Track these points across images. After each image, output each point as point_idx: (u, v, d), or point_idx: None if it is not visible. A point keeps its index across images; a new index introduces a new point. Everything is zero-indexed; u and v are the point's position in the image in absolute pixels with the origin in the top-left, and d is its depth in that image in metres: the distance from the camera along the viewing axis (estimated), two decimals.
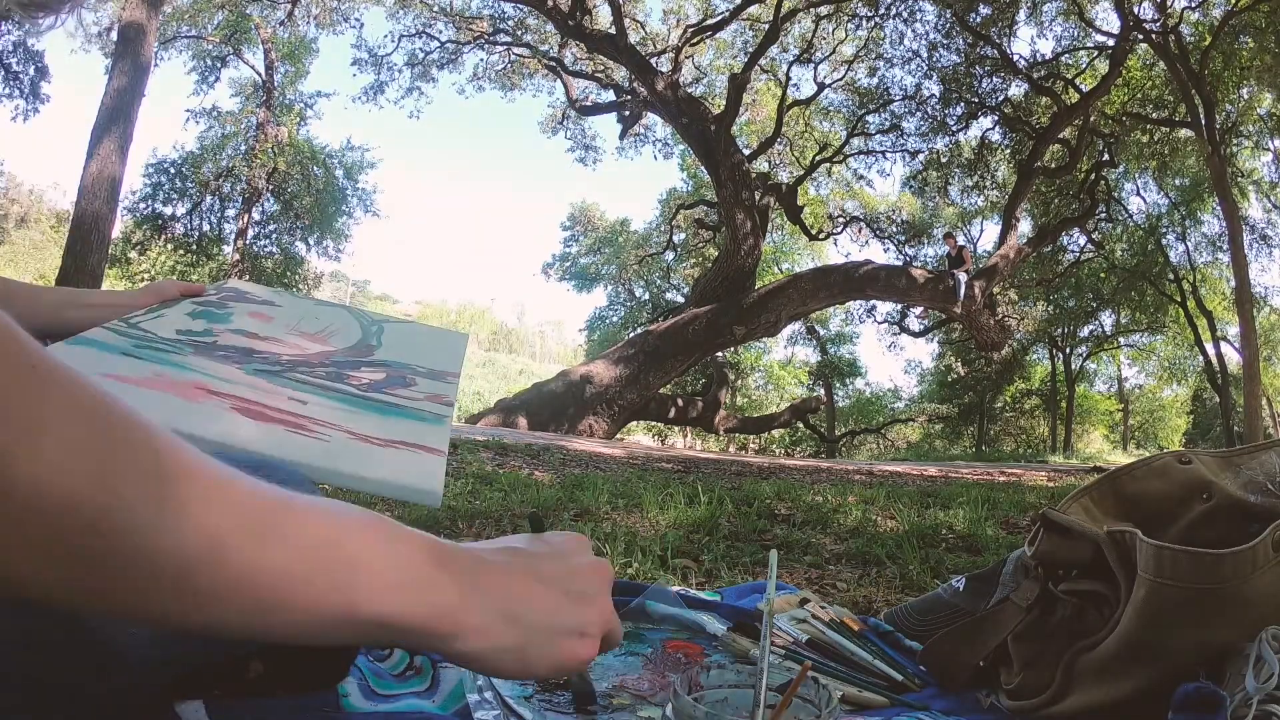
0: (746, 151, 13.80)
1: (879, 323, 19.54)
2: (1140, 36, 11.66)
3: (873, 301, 17.11)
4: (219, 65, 15.83)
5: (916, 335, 18.75)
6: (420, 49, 14.61)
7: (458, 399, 0.90)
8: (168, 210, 16.56)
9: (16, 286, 0.81)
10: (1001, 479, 5.84)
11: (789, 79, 14.51)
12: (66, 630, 0.51)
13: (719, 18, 13.99)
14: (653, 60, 13.05)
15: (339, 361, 0.91)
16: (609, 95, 15.03)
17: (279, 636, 0.36)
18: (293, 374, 0.85)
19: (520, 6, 13.30)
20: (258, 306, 0.97)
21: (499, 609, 0.42)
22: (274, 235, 17.72)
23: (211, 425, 0.71)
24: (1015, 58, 12.99)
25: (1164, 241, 16.91)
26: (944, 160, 14.81)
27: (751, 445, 20.02)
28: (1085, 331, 20.03)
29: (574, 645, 0.45)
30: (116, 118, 8.87)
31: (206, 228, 16.94)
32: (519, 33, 14.59)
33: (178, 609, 0.33)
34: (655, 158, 31.46)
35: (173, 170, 16.46)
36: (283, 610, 0.35)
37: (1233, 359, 16.99)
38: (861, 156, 15.54)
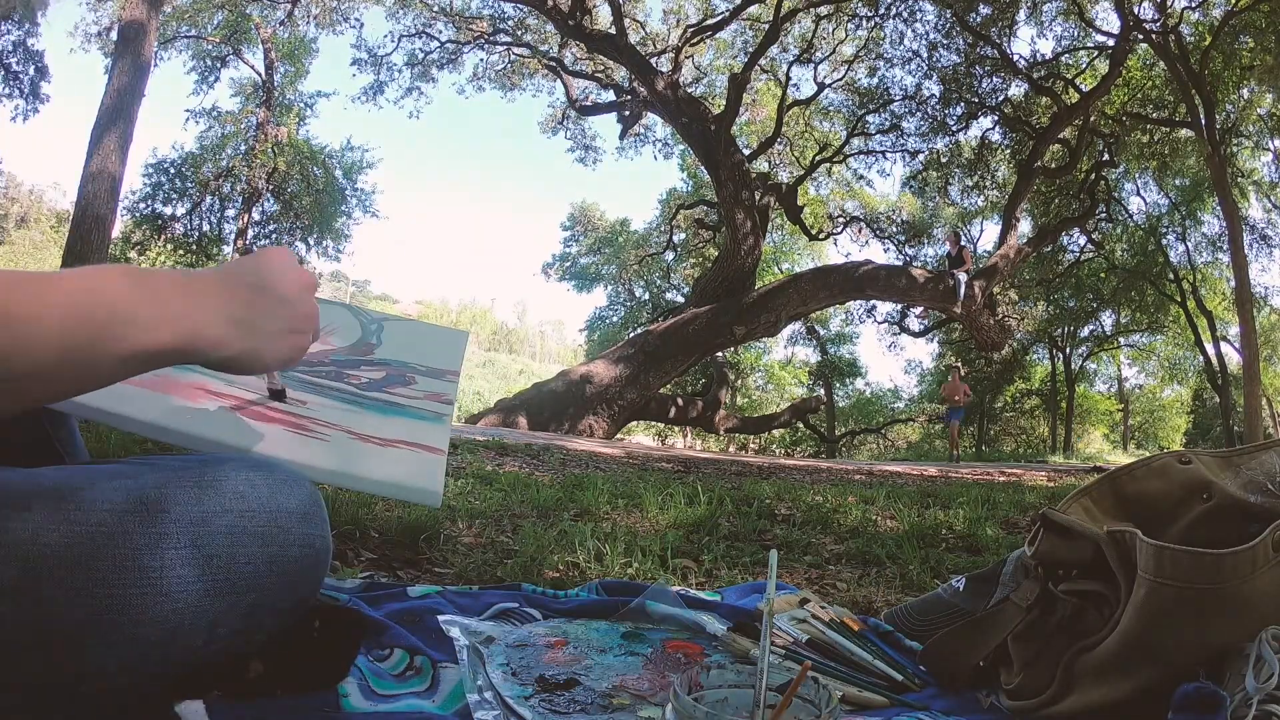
0: (746, 151, 13.80)
1: (879, 323, 19.56)
2: (1140, 36, 11.66)
3: (873, 301, 17.12)
4: (219, 65, 15.82)
5: (916, 335, 18.76)
6: (420, 49, 14.61)
7: (458, 399, 0.90)
8: (168, 210, 16.57)
9: None
10: (1001, 479, 5.83)
11: (789, 79, 14.52)
12: (68, 632, 0.51)
13: (719, 18, 13.98)
14: (653, 60, 13.04)
15: (339, 360, 0.91)
16: (609, 95, 15.03)
17: (84, 389, 0.45)
18: (293, 373, 0.85)
19: (520, 6, 13.30)
20: None
21: (235, 322, 0.52)
22: (274, 235, 17.70)
23: (212, 426, 0.71)
24: (1015, 58, 12.99)
25: (1164, 241, 16.91)
26: (944, 160, 14.81)
27: (751, 445, 20.02)
28: (1085, 331, 20.04)
29: (294, 340, 0.57)
30: (116, 117, 8.87)
31: (206, 228, 16.94)
32: (519, 33, 14.59)
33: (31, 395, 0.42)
34: (655, 158, 31.52)
35: (173, 170, 16.46)
36: (77, 370, 0.43)
37: (1233, 359, 17.01)
38: (861, 156, 15.54)
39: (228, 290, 0.52)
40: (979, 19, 12.41)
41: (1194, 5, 11.51)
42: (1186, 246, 16.84)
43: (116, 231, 12.45)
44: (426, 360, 0.97)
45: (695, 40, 14.14)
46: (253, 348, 0.53)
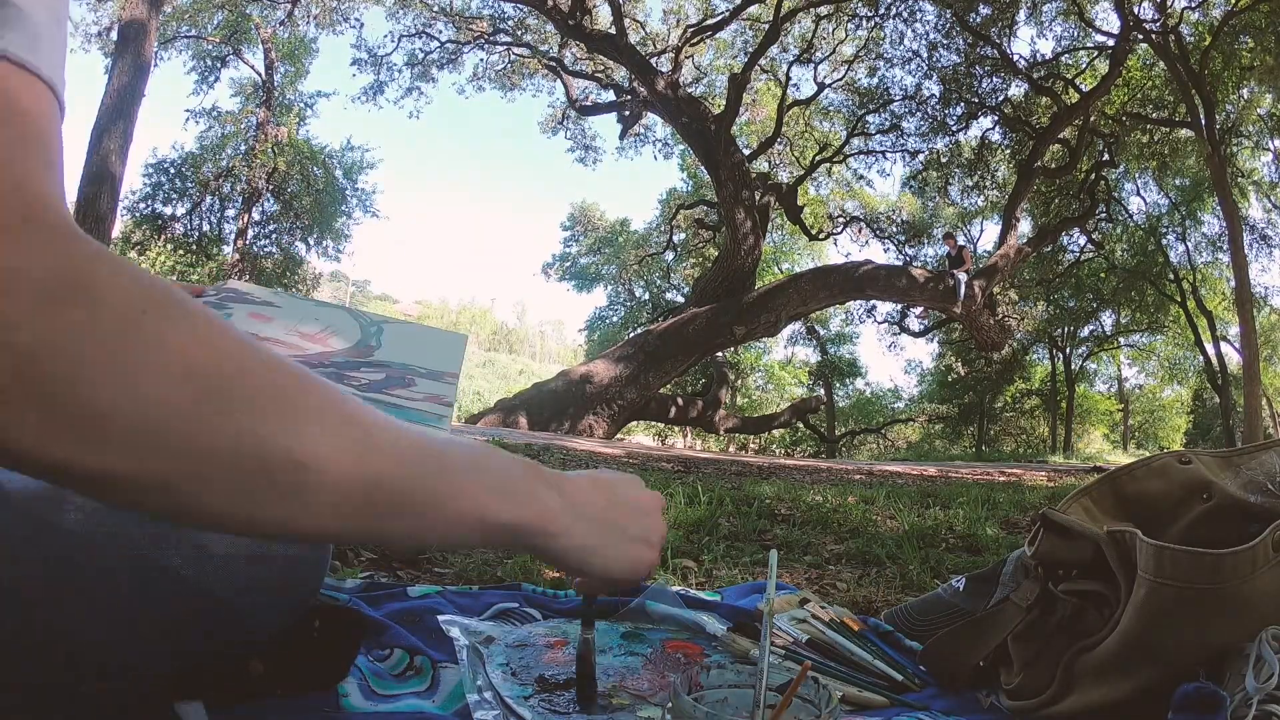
0: (746, 151, 13.80)
1: (879, 323, 19.57)
2: (1140, 36, 11.66)
3: (873, 301, 17.13)
4: (219, 65, 15.83)
5: (916, 335, 18.76)
6: (420, 49, 14.62)
7: (457, 400, 0.91)
8: (168, 210, 16.57)
9: None
10: (1001, 479, 5.83)
11: (789, 79, 14.53)
12: (68, 632, 0.51)
13: (719, 18, 13.99)
14: (653, 60, 13.05)
15: (339, 362, 0.91)
16: (609, 95, 15.04)
17: (442, 543, 0.46)
18: None
19: (520, 6, 13.30)
20: (257, 307, 0.97)
21: (585, 515, 0.53)
22: (274, 235, 17.73)
23: None
24: (1015, 58, 13.00)
25: (1164, 241, 16.92)
26: (944, 160, 14.82)
27: (751, 445, 20.03)
28: (1085, 331, 20.05)
29: (642, 550, 0.57)
30: (117, 117, 8.88)
31: (206, 228, 16.95)
32: (519, 33, 14.60)
33: (386, 534, 0.42)
34: (655, 158, 31.53)
35: (173, 170, 16.46)
36: (447, 525, 0.44)
37: (1233, 359, 17.01)
38: (861, 156, 15.55)
39: (590, 490, 0.54)
40: (979, 19, 12.41)
41: (1194, 5, 11.52)
42: (1186, 246, 16.86)
43: (116, 231, 12.46)
44: (426, 362, 0.97)
45: (695, 40, 14.14)
46: (600, 545, 0.54)
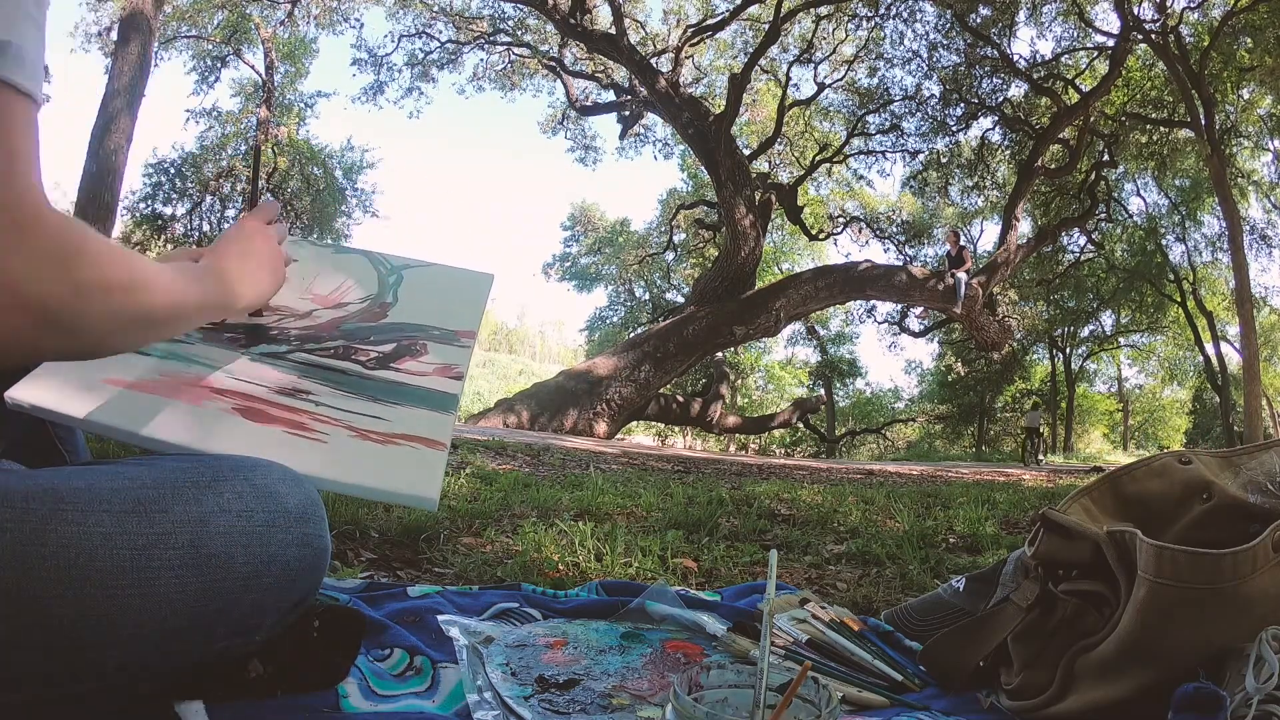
0: (746, 151, 13.80)
1: (879, 323, 19.59)
2: (1140, 37, 11.66)
3: (873, 301, 17.13)
4: (219, 65, 15.82)
5: (916, 335, 18.77)
6: (420, 49, 14.63)
7: (464, 383, 0.90)
8: (168, 210, 16.57)
9: None
10: (1001, 479, 5.84)
11: (789, 79, 14.52)
12: (66, 632, 0.51)
13: (719, 18, 13.99)
14: (653, 60, 13.05)
15: (349, 330, 0.90)
16: (609, 95, 15.04)
17: (189, 327, 0.75)
18: (300, 353, 0.85)
19: (520, 6, 13.30)
20: None
21: (242, 285, 0.78)
22: None
23: (212, 433, 0.72)
24: (1015, 58, 13.00)
25: (1164, 242, 16.92)
26: (944, 160, 14.82)
27: (751, 445, 20.04)
28: (1085, 331, 20.05)
29: (267, 289, 0.84)
30: (117, 117, 8.87)
31: (207, 228, 16.94)
32: (519, 33, 14.60)
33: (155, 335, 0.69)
34: (655, 158, 31.54)
35: (173, 170, 16.46)
36: (198, 316, 0.72)
37: (1233, 359, 17.02)
38: (861, 156, 15.55)
39: (239, 265, 0.79)
40: (979, 19, 12.41)
41: (1194, 5, 11.51)
42: (1186, 247, 16.87)
43: (116, 231, 12.46)
44: (443, 320, 0.95)
45: (695, 40, 14.14)
46: (248, 298, 0.80)
